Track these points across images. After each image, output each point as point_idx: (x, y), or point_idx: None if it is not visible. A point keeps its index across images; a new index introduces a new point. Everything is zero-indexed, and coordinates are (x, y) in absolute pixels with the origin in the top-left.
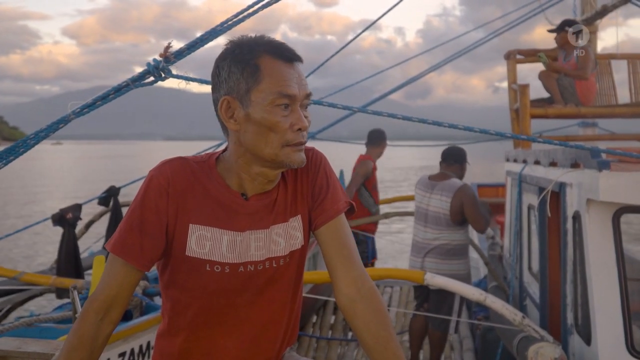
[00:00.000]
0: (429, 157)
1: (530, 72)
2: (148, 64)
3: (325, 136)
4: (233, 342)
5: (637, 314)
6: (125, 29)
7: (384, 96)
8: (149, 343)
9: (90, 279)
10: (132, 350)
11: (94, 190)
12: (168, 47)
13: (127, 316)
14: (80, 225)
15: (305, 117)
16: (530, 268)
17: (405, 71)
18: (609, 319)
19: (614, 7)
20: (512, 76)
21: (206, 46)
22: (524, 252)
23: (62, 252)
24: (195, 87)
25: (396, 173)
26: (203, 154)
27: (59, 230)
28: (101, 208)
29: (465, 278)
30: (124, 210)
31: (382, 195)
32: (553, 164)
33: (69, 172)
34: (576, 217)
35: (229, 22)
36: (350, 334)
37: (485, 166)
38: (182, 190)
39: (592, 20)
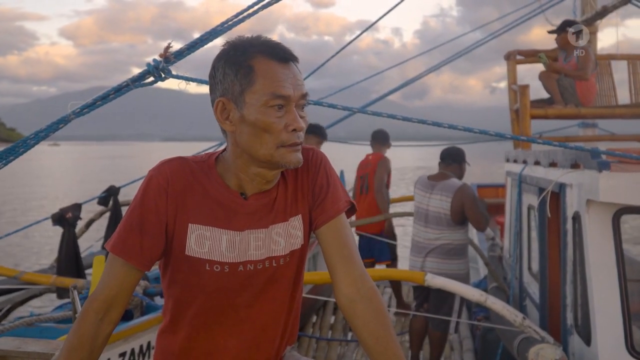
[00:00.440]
0: (425, 158)
1: (528, 73)
2: (148, 64)
3: None
4: (233, 341)
5: (637, 314)
6: (123, 29)
7: (383, 97)
8: (149, 343)
9: (91, 279)
10: (133, 350)
11: (92, 191)
12: (168, 47)
13: (127, 316)
14: (80, 225)
15: (302, 117)
16: (530, 269)
17: (403, 72)
18: (608, 319)
19: (614, 7)
20: (512, 77)
21: (206, 46)
22: (524, 252)
23: (63, 252)
24: (193, 88)
25: (394, 173)
26: (202, 154)
27: (59, 230)
28: (101, 208)
29: (465, 277)
30: (124, 210)
31: None
32: (553, 164)
33: (67, 173)
34: (576, 218)
35: (229, 23)
36: (350, 334)
37: (485, 167)
38: (181, 190)
39: (592, 20)
